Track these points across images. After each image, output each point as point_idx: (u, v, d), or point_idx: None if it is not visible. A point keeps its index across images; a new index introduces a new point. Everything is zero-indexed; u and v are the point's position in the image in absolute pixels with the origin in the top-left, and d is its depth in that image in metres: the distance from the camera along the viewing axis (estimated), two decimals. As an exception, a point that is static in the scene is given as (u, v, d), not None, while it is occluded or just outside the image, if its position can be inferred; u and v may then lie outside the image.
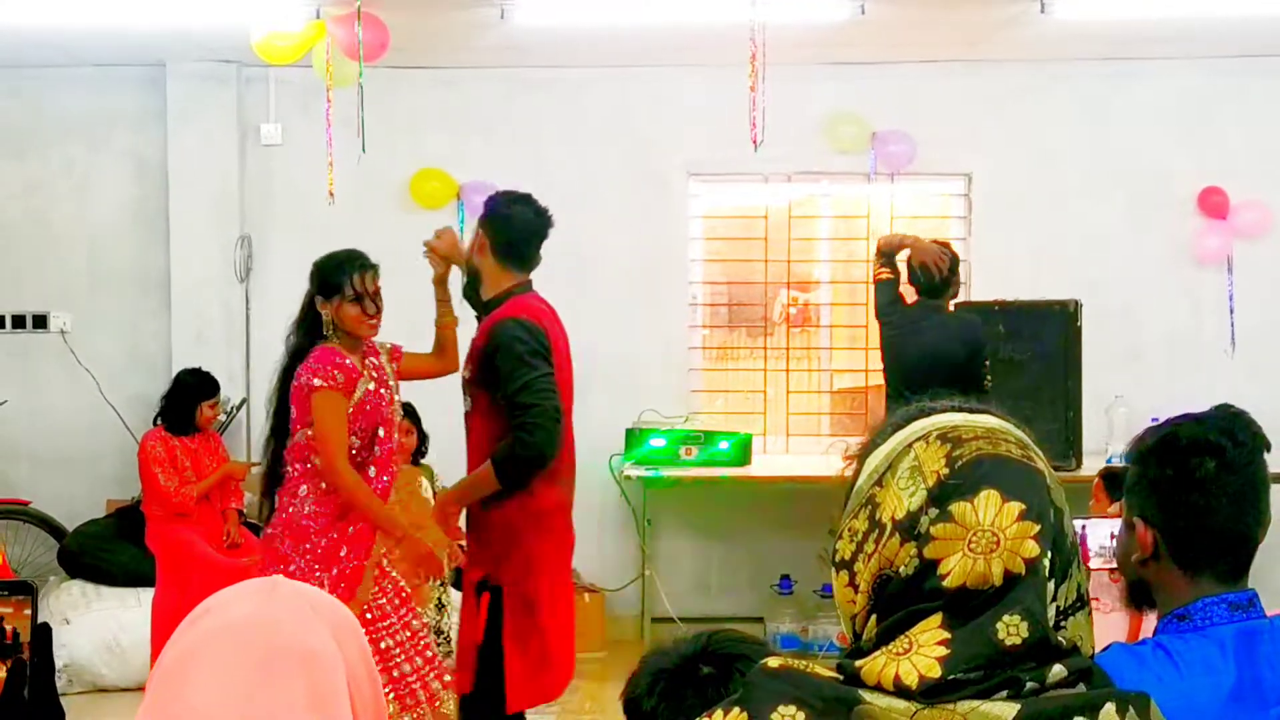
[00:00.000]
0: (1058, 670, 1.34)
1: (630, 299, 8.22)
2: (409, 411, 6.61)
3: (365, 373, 5.08)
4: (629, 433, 7.90)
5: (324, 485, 4.93)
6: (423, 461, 7.00)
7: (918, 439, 1.45)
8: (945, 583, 1.35)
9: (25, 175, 8.31)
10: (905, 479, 1.42)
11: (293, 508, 4.94)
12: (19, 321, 8.31)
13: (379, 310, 5.20)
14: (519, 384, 4.61)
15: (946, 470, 1.40)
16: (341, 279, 5.09)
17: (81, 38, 7.63)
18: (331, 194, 6.73)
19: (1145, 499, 2.27)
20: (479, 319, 5.06)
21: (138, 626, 7.09)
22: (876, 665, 1.35)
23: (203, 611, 1.48)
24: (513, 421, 4.58)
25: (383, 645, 4.91)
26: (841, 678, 1.38)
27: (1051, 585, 1.37)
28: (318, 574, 4.79)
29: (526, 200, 5.14)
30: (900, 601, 1.38)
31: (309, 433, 4.92)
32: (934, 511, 1.37)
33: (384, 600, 4.99)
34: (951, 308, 6.82)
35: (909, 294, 6.75)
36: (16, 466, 8.21)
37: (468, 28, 7.35)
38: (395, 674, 4.93)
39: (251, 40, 6.62)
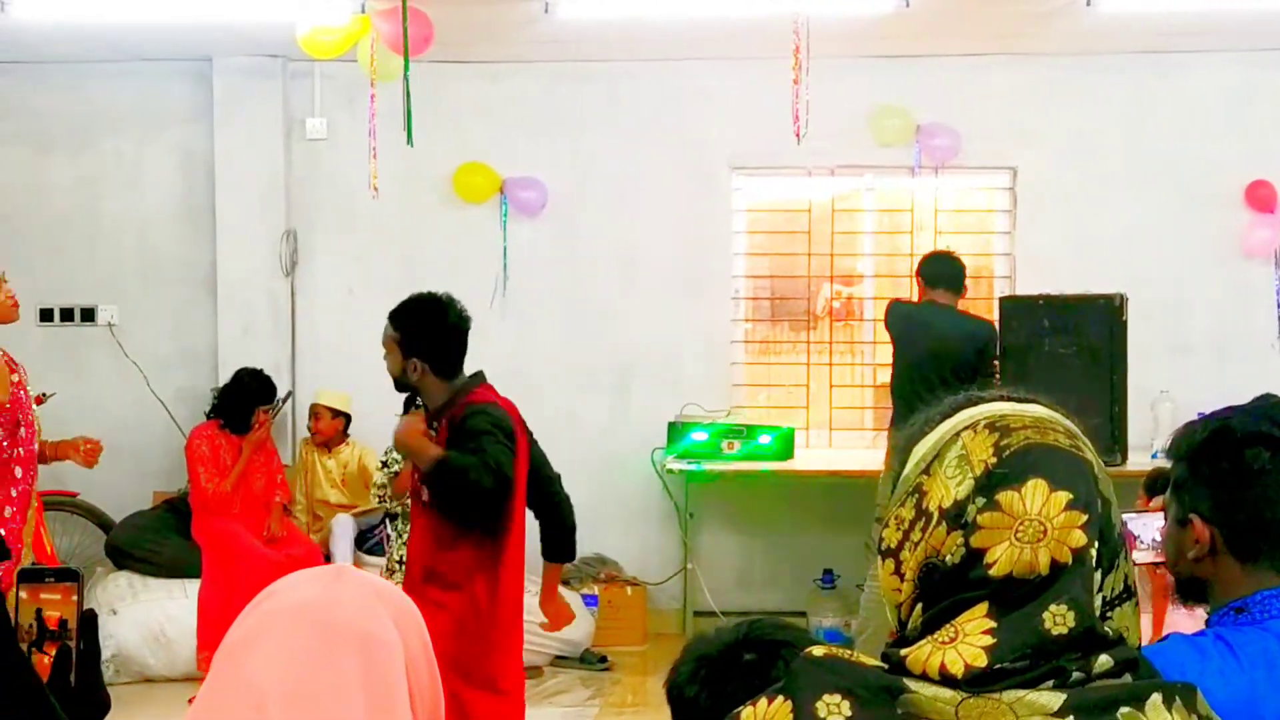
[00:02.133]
0: (1104, 660, 1.34)
1: (673, 293, 8.22)
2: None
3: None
4: (671, 426, 7.91)
5: None
6: None
7: (965, 428, 1.44)
8: (992, 572, 1.35)
9: (75, 169, 8.38)
10: (953, 468, 1.41)
11: None
12: (67, 314, 8.38)
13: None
14: (485, 433, 4.40)
15: (994, 459, 1.39)
16: None
17: (130, 33, 7.69)
18: (375, 188, 6.76)
19: (1200, 495, 2.23)
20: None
21: (184, 617, 7.15)
22: (922, 654, 1.34)
23: (267, 594, 1.51)
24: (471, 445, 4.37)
25: None
26: (886, 666, 1.37)
27: (1098, 575, 1.36)
28: None
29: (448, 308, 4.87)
30: (946, 590, 1.38)
31: None
32: (981, 500, 1.37)
33: None
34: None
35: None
36: (65, 459, 8.26)
37: (511, 22, 7.38)
38: None
39: (297, 35, 6.65)
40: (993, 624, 1.33)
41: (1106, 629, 1.37)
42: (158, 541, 7.53)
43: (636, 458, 8.08)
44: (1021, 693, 1.30)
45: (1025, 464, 1.38)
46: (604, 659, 7.55)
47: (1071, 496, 1.36)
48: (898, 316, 7.15)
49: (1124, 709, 1.31)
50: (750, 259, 8.57)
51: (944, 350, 6.79)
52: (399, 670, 1.45)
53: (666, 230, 8.24)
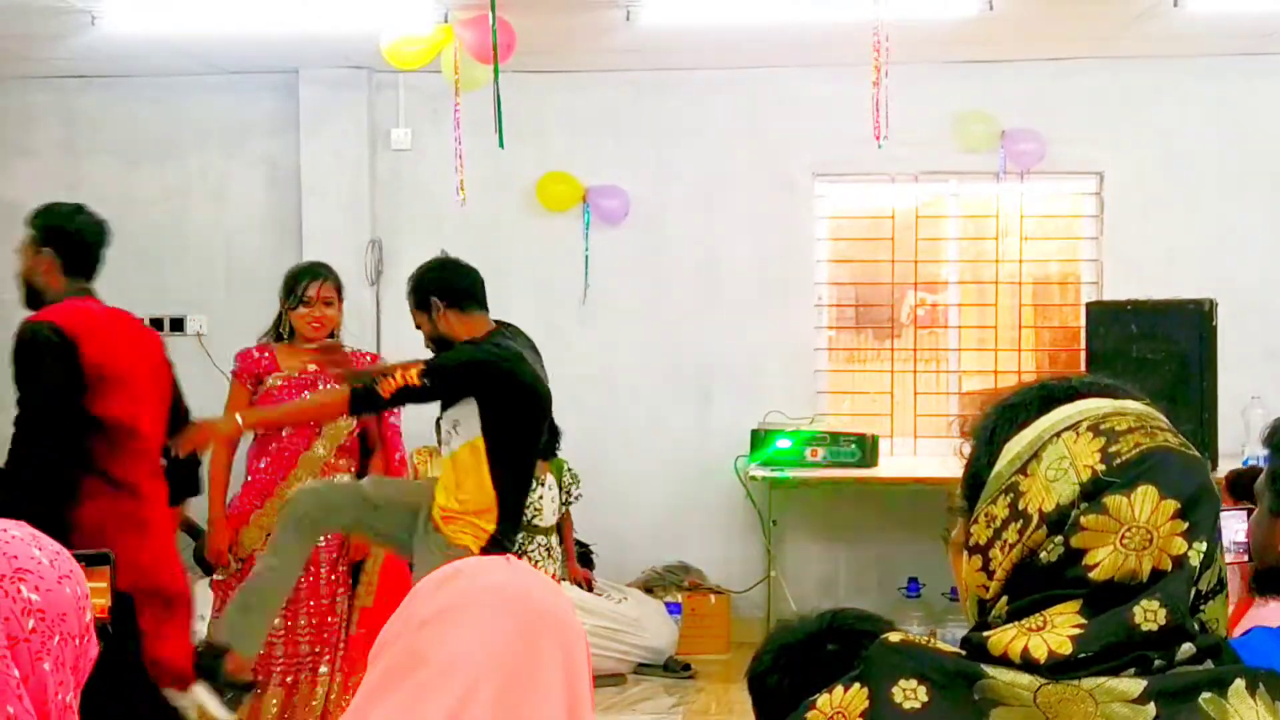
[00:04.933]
0: (1186, 648, 1.32)
1: (756, 300, 8.21)
2: None
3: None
4: (754, 434, 7.89)
5: None
6: (557, 456, 7.02)
7: (1066, 428, 1.41)
8: (1092, 575, 1.34)
9: (164, 181, 8.51)
10: (1054, 470, 1.39)
11: None
12: (157, 324, 8.46)
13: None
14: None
15: (1103, 466, 1.37)
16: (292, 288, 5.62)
17: (218, 46, 7.80)
18: (463, 194, 6.78)
19: None
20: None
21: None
22: (1005, 637, 1.33)
23: (452, 573, 1.55)
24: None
25: None
26: (964, 652, 1.37)
27: (1198, 570, 1.36)
28: None
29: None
30: (1038, 585, 1.37)
31: None
32: (1084, 505, 1.35)
33: None
34: None
35: None
36: (155, 466, 8.37)
37: (593, 30, 7.40)
38: None
39: (381, 46, 6.71)
40: (1083, 620, 1.33)
41: (1195, 622, 1.35)
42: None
43: (719, 465, 8.06)
44: (1102, 679, 1.30)
45: (1137, 471, 1.36)
46: (687, 667, 7.55)
47: (1178, 505, 1.35)
48: None
49: (1206, 694, 1.30)
50: (833, 266, 8.54)
51: None
52: (584, 658, 1.53)
53: (749, 237, 8.23)
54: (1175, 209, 8.03)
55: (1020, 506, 1.39)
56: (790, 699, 1.63)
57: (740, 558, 8.17)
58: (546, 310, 8.23)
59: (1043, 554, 1.36)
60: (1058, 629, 1.32)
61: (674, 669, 7.52)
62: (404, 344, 8.29)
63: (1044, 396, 1.46)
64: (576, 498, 7.30)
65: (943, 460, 7.92)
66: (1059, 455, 1.39)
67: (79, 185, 8.45)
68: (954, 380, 8.48)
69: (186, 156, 8.51)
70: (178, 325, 8.47)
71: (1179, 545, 1.34)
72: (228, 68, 8.28)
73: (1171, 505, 1.35)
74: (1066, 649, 1.30)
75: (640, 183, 8.27)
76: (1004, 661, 1.33)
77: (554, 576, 7.00)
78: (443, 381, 4.88)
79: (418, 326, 5.14)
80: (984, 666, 1.33)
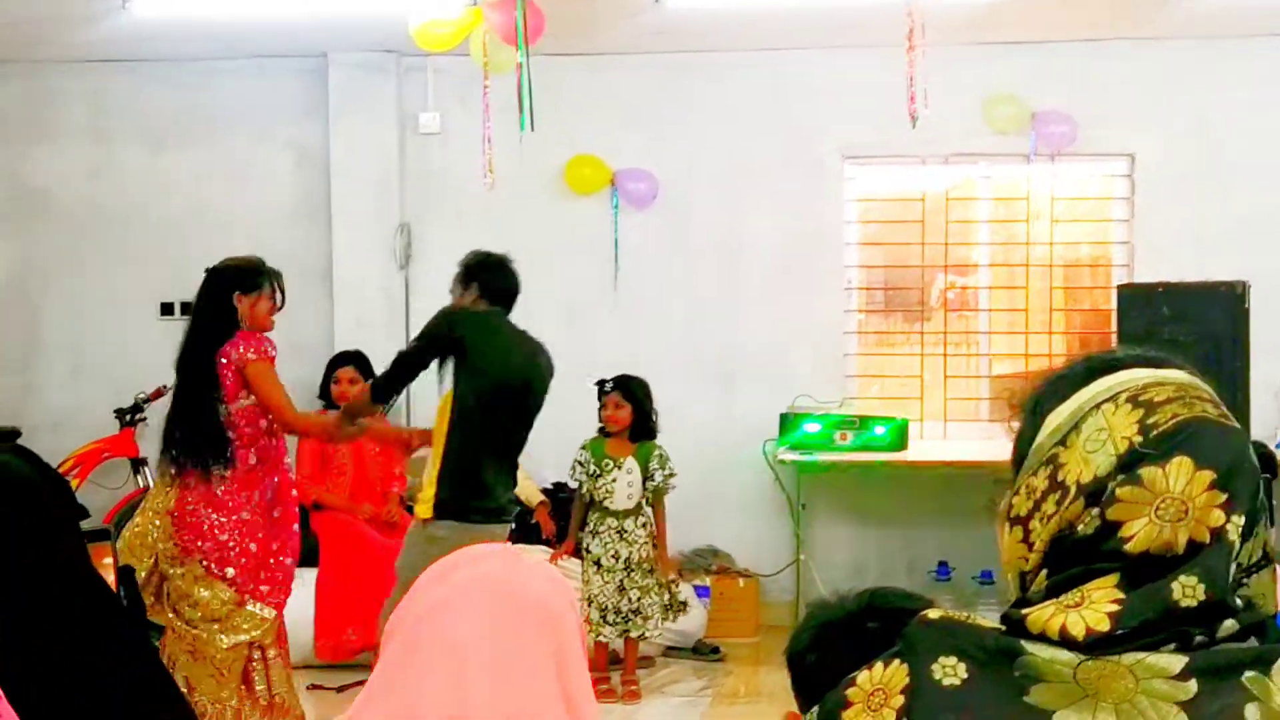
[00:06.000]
0: (1229, 624, 1.30)
1: (785, 283, 8.19)
2: (623, 385, 6.86)
3: None
4: (783, 417, 7.88)
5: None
6: (648, 441, 6.94)
7: (1105, 400, 1.40)
8: (1128, 547, 1.32)
9: (193, 167, 8.52)
10: (1092, 442, 1.38)
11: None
12: (188, 308, 8.48)
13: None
14: None
15: (1140, 438, 1.35)
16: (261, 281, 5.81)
17: (246, 30, 7.81)
18: (491, 176, 6.77)
19: None
20: None
21: (302, 606, 7.18)
22: (1044, 614, 1.32)
23: (451, 566, 1.62)
24: None
25: None
26: (1004, 628, 1.35)
27: (1237, 543, 1.33)
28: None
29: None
30: (1075, 559, 1.35)
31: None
32: (1121, 477, 1.34)
33: None
34: None
35: None
36: (185, 450, 8.39)
37: (621, 12, 7.39)
38: None
39: (410, 27, 6.70)
40: (1121, 595, 1.31)
41: (1238, 598, 1.33)
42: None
43: (748, 449, 8.06)
44: (1141, 655, 1.28)
45: (1173, 442, 1.34)
46: (716, 649, 7.54)
47: (1215, 475, 1.33)
48: None
49: (1250, 673, 1.28)
50: (863, 249, 8.51)
51: None
52: (578, 650, 1.59)
53: (778, 221, 8.21)
54: (1207, 191, 7.98)
55: (1059, 478, 1.38)
56: (829, 677, 1.62)
57: (769, 541, 8.16)
58: (575, 293, 8.23)
59: (1080, 526, 1.35)
60: (1095, 605, 1.30)
61: (703, 652, 7.52)
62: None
63: (1088, 368, 1.45)
64: (668, 484, 7.07)
65: (973, 443, 7.91)
66: (1097, 427, 1.38)
67: (106, 170, 8.50)
68: (984, 364, 8.45)
69: (215, 141, 8.52)
70: (207, 310, 8.46)
71: (1216, 517, 1.32)
72: (257, 52, 8.29)
73: (1207, 476, 1.32)
74: (1105, 625, 1.29)
75: (668, 166, 8.25)
76: (1043, 639, 1.31)
77: (629, 561, 6.93)
78: (424, 336, 5.74)
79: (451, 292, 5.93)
80: (1023, 643, 1.32)
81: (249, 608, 5.30)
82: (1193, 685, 1.26)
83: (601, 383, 6.96)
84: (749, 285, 8.24)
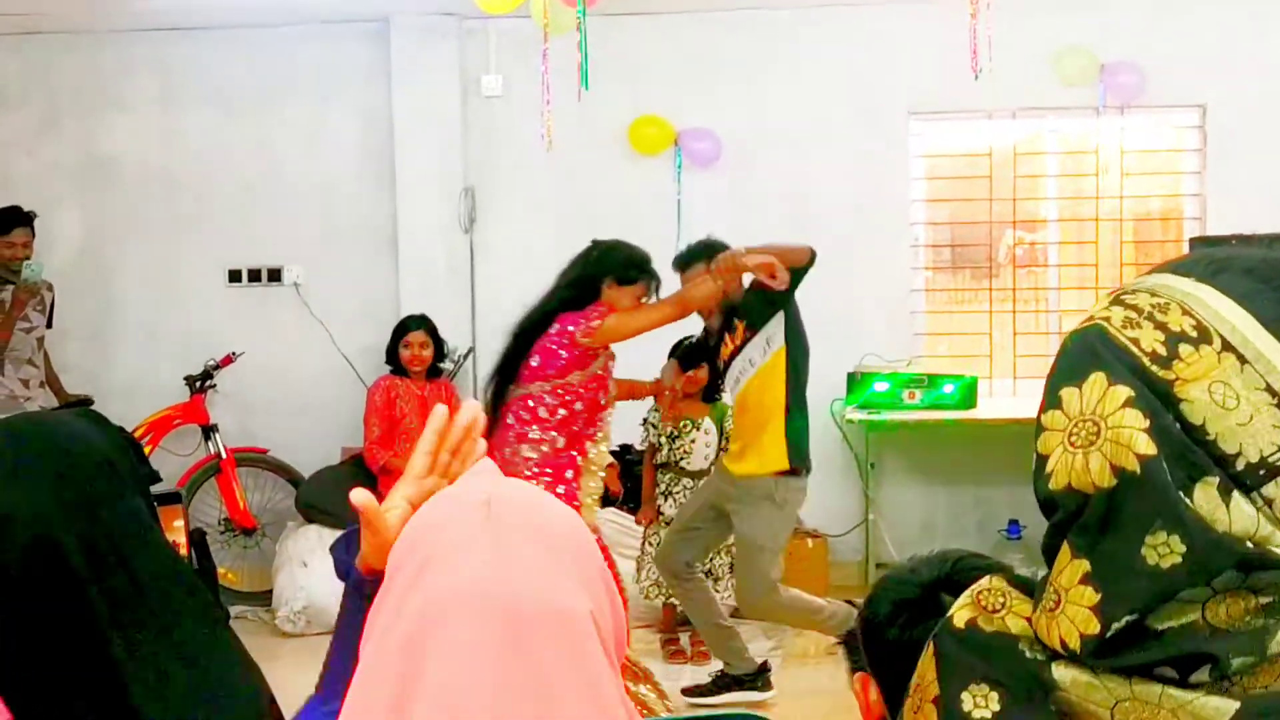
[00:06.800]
0: (1266, 602, 1.12)
1: (851, 241, 8.11)
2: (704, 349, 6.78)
3: None
4: (850, 377, 7.83)
5: (545, 447, 5.28)
6: (718, 400, 6.96)
7: (1104, 308, 1.25)
8: (1051, 485, 1.18)
9: (259, 133, 8.55)
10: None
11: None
12: (255, 275, 8.57)
13: None
14: None
15: (1070, 341, 1.22)
16: (637, 277, 5.55)
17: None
18: (549, 140, 6.75)
19: None
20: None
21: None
22: (1041, 626, 1.20)
23: (421, 564, 1.27)
24: None
25: None
26: (1034, 635, 1.23)
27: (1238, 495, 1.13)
28: None
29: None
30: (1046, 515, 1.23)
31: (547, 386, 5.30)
32: (1046, 400, 1.20)
33: None
34: None
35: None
36: (254, 416, 8.48)
37: (683, -29, 7.33)
38: None
39: (470, -10, 6.69)
40: (1086, 566, 1.14)
41: (1259, 534, 1.12)
42: (346, 496, 7.65)
43: (815, 408, 7.97)
44: (1186, 696, 1.12)
45: (1085, 355, 1.19)
46: (786, 610, 7.52)
47: (1132, 394, 1.14)
48: None
49: None
50: (930, 206, 8.43)
51: None
52: (594, 635, 1.26)
53: (843, 178, 8.14)
54: (1280, 140, 7.84)
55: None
56: (909, 653, 1.60)
57: (837, 501, 8.11)
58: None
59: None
60: (1072, 600, 1.15)
61: (772, 612, 7.51)
62: (499, 290, 8.35)
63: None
64: None
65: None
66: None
67: (176, 138, 8.55)
68: (1054, 320, 8.35)
69: (282, 107, 8.55)
70: (275, 276, 8.54)
71: (1144, 444, 1.13)
72: (319, 17, 8.30)
73: (1123, 392, 1.15)
74: (1093, 626, 1.14)
75: (732, 124, 8.20)
76: (1058, 653, 1.20)
77: None
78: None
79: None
80: (1054, 668, 1.20)
81: None
82: None
83: (676, 344, 6.93)
84: (815, 243, 8.12)
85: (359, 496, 1.56)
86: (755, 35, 8.17)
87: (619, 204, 8.18)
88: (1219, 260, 1.23)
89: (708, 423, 6.92)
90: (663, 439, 6.94)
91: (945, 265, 8.60)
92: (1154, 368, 1.16)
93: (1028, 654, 1.21)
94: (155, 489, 2.01)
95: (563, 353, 5.35)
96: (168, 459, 7.95)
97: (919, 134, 8.28)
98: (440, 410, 1.63)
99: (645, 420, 7.04)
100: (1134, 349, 1.17)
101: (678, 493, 6.92)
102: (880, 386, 7.76)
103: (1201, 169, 8.07)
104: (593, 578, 1.30)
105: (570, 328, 5.36)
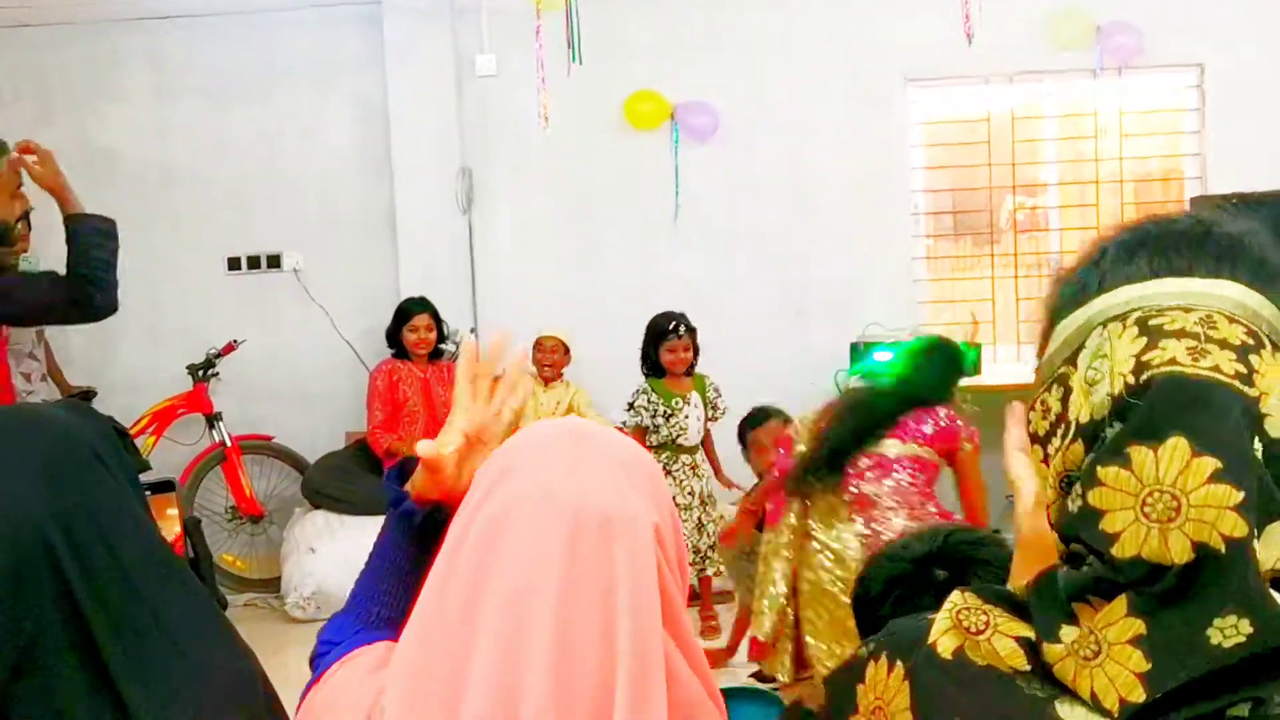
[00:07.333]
0: None
1: (851, 211, 8.09)
2: (689, 326, 7.01)
3: None
4: (853, 347, 7.80)
5: None
6: (696, 373, 7.12)
7: (1115, 317, 1.15)
8: (1114, 550, 1.06)
9: (255, 122, 8.51)
10: (1093, 371, 1.13)
11: None
12: (254, 262, 8.55)
13: None
14: None
15: (1132, 380, 1.09)
16: None
17: (298, -20, 7.79)
18: (545, 117, 6.73)
19: None
20: None
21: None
22: (1068, 669, 1.08)
23: (502, 471, 1.38)
24: None
25: None
26: (1030, 667, 1.11)
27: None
28: None
29: None
30: (1071, 525, 1.12)
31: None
32: (1117, 427, 1.08)
33: None
34: None
35: None
36: (258, 404, 8.46)
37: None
38: None
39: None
40: (1140, 628, 1.05)
41: None
42: (351, 481, 7.69)
43: (818, 379, 7.99)
44: None
45: (1167, 409, 1.06)
46: (795, 580, 7.52)
47: (1220, 465, 1.03)
48: None
49: None
50: (929, 174, 8.39)
51: None
52: (652, 551, 1.34)
53: (841, 148, 8.10)
54: (1279, 99, 7.80)
55: (1066, 404, 1.16)
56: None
57: (844, 472, 8.08)
58: (637, 229, 8.19)
59: (1072, 495, 1.12)
60: (1116, 657, 1.05)
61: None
62: (499, 270, 8.33)
63: (1120, 265, 1.21)
64: (723, 412, 7.22)
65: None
66: (1100, 353, 1.14)
67: (171, 128, 8.52)
68: (1057, 284, 8.30)
69: (275, 95, 8.51)
70: (274, 262, 8.52)
71: (1232, 523, 1.02)
72: (312, 2, 8.26)
73: (1208, 465, 1.03)
74: (1138, 695, 1.04)
75: (729, 98, 8.16)
76: (1076, 697, 1.08)
77: (702, 496, 7.05)
78: None
79: None
80: (1057, 707, 1.08)
81: None
82: None
83: (674, 325, 7.02)
84: (814, 215, 8.15)
85: (424, 448, 1.64)
86: (749, 7, 8.13)
87: (616, 180, 8.15)
88: (1221, 247, 1.16)
89: (694, 396, 7.05)
90: (659, 420, 6.99)
91: (946, 233, 8.56)
92: (1245, 389, 1.07)
93: (1026, 690, 1.10)
94: (148, 477, 1.99)
95: None
96: (173, 449, 7.95)
97: (916, 101, 8.23)
98: (469, 340, 1.72)
99: (632, 405, 7.06)
100: (1219, 376, 1.07)
101: (676, 469, 6.97)
102: (883, 356, 7.72)
103: (1200, 129, 8.02)
104: (662, 500, 1.40)
105: None
